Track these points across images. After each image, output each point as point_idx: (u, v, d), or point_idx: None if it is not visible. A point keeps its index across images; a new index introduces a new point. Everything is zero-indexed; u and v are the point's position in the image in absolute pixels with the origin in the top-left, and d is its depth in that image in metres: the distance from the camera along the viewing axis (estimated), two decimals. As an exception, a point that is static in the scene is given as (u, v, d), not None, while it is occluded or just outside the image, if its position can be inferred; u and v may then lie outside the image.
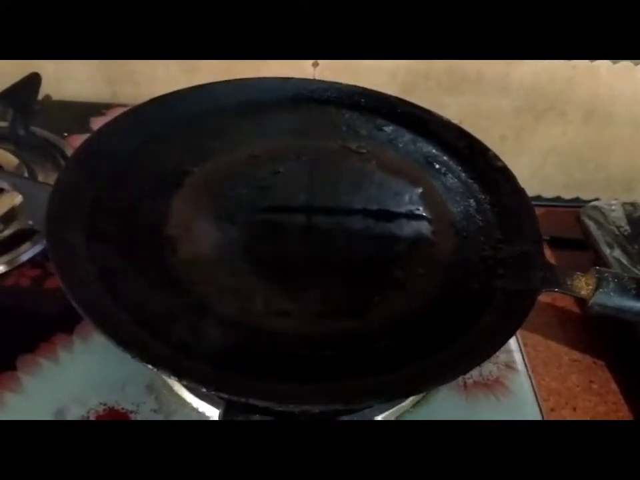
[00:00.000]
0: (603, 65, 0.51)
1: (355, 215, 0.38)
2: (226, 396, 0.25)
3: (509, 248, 0.35)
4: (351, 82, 0.46)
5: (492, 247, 0.36)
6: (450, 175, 0.41)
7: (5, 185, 0.40)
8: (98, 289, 0.30)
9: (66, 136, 0.51)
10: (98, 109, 0.55)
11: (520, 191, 0.38)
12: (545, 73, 0.52)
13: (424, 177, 0.41)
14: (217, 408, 0.32)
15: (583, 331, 0.45)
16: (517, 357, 0.37)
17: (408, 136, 0.43)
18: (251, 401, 0.25)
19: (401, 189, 0.40)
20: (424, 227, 0.38)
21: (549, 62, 0.52)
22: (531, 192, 0.57)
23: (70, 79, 0.57)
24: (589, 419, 0.39)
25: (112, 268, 0.31)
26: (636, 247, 0.46)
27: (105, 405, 0.32)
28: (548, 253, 0.51)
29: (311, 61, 0.53)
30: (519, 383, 0.36)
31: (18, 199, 0.41)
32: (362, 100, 0.45)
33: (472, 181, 0.40)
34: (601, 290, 0.31)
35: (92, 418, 0.32)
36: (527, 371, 0.37)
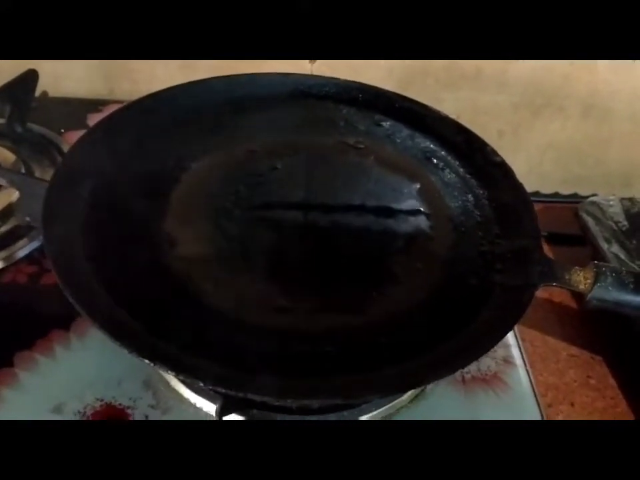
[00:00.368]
0: (601, 60, 0.51)
1: (353, 210, 0.38)
2: (223, 391, 0.25)
3: (507, 243, 0.35)
4: (348, 78, 0.46)
5: (490, 241, 0.36)
6: (448, 170, 0.41)
7: (1, 182, 0.40)
8: (94, 284, 0.29)
9: (63, 132, 0.51)
10: (95, 105, 0.55)
11: (518, 186, 0.38)
12: (543, 68, 0.52)
13: (422, 172, 0.41)
14: (214, 403, 0.31)
15: (580, 326, 0.45)
16: (515, 351, 0.38)
17: (406, 131, 0.43)
18: (249, 396, 0.25)
19: (398, 184, 0.40)
20: (422, 222, 0.38)
21: (546, 57, 0.52)
22: (528, 188, 0.57)
23: (67, 75, 0.56)
24: (586, 414, 0.39)
25: (109, 264, 0.31)
26: (634, 242, 0.46)
27: (101, 400, 0.32)
28: (546, 249, 0.51)
29: (309, 59, 0.53)
30: (517, 377, 0.36)
31: (15, 195, 0.41)
32: (360, 95, 0.45)
33: (470, 176, 0.40)
34: (599, 284, 0.31)
35: (89, 413, 0.32)
36: (525, 365, 0.37)
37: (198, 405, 0.32)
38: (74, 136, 0.48)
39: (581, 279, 0.32)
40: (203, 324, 0.30)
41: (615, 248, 0.46)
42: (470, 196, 0.39)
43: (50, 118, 0.52)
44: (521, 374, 0.36)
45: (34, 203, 0.33)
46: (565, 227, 0.51)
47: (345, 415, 0.32)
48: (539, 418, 0.34)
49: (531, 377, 0.36)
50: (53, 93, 0.56)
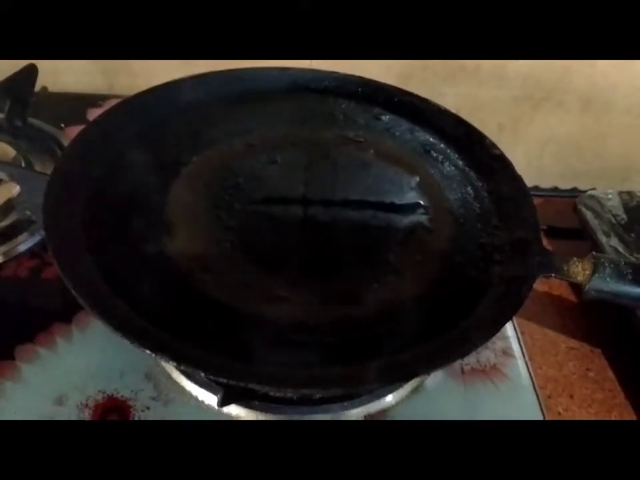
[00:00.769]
0: (600, 54, 0.51)
1: (353, 203, 0.38)
2: (225, 381, 0.26)
3: (506, 234, 0.35)
4: (348, 72, 0.46)
5: (489, 233, 0.36)
6: (447, 163, 0.41)
7: (2, 176, 0.40)
8: (96, 277, 0.30)
9: (63, 127, 0.51)
10: (95, 100, 0.55)
11: (517, 178, 0.38)
12: (542, 62, 0.52)
13: (421, 165, 0.41)
14: (215, 395, 0.32)
15: (579, 319, 0.45)
16: (514, 343, 0.38)
17: (405, 125, 0.43)
18: (250, 386, 0.25)
19: (398, 177, 0.40)
20: (421, 215, 0.38)
21: (545, 51, 0.52)
22: (528, 182, 0.57)
23: (67, 70, 0.56)
24: (585, 406, 0.39)
25: (109, 256, 0.31)
26: (632, 235, 0.47)
27: (103, 392, 0.33)
28: (545, 243, 0.51)
29: (308, 60, 0.53)
30: (516, 369, 0.36)
31: (15, 189, 0.41)
32: (359, 89, 0.45)
33: (469, 168, 0.40)
34: (597, 275, 0.31)
35: (91, 405, 0.32)
36: (524, 357, 0.37)
37: (199, 397, 0.33)
38: (74, 131, 0.48)
39: (579, 270, 0.32)
40: (204, 314, 0.30)
41: (614, 241, 0.46)
42: (469, 188, 0.39)
43: (50, 113, 0.52)
44: (519, 366, 0.36)
45: (34, 197, 0.33)
46: (564, 221, 0.51)
47: (346, 406, 0.33)
48: (537, 410, 0.34)
49: (530, 369, 0.36)
50: (52, 88, 0.56)
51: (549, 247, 0.51)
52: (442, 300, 0.32)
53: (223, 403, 0.29)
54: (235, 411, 0.32)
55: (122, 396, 0.33)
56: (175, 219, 0.35)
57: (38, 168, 0.46)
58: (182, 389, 0.33)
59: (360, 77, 0.45)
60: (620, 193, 0.50)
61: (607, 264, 0.31)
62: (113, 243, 0.32)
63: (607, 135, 0.56)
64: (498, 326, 0.29)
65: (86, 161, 0.36)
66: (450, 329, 0.30)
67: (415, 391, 0.34)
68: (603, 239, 0.46)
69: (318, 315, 0.31)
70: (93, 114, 0.51)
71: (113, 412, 0.32)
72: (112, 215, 0.34)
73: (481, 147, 0.40)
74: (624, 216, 0.48)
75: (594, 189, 0.55)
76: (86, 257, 0.30)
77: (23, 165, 0.45)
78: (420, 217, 0.37)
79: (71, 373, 0.33)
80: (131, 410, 0.32)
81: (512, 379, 0.36)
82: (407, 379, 0.31)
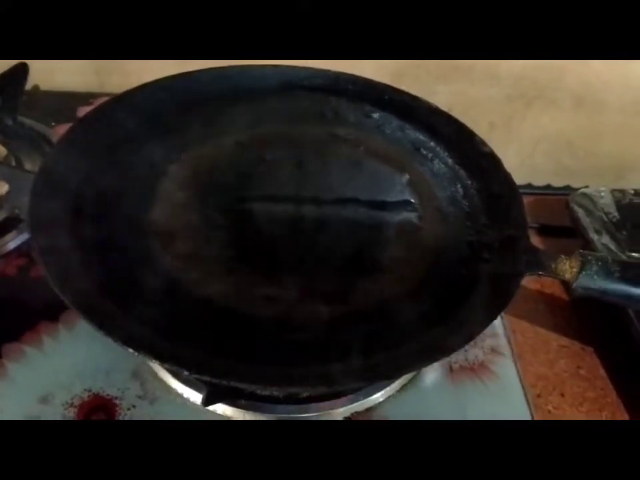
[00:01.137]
0: (593, 52, 0.51)
1: (342, 201, 0.38)
2: (208, 379, 0.26)
3: (494, 232, 0.35)
4: (340, 70, 0.46)
5: (478, 231, 0.36)
6: (437, 161, 0.41)
7: (-10, 174, 0.40)
8: (81, 275, 0.29)
9: (54, 125, 0.51)
10: (86, 98, 0.54)
11: (506, 176, 0.38)
12: (535, 61, 0.52)
13: (411, 163, 0.41)
14: (201, 393, 0.32)
15: (571, 316, 0.45)
16: (503, 341, 0.38)
17: (396, 122, 0.43)
18: (233, 384, 0.25)
19: (388, 175, 0.40)
20: (411, 213, 0.38)
21: (538, 49, 0.51)
22: (520, 180, 0.57)
23: (58, 68, 0.56)
24: (577, 404, 0.39)
25: (95, 255, 0.31)
26: (624, 233, 0.46)
27: (89, 391, 0.33)
28: (537, 241, 0.51)
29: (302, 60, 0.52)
30: (505, 367, 0.36)
31: (4, 188, 0.41)
32: (350, 87, 0.45)
33: (459, 166, 0.40)
34: (584, 272, 0.31)
35: (76, 404, 0.32)
36: (513, 355, 0.37)
37: (185, 395, 0.33)
38: (64, 129, 0.48)
39: (567, 267, 0.32)
40: (190, 313, 0.30)
41: (605, 239, 0.46)
42: (459, 186, 0.39)
43: (41, 111, 0.52)
44: (508, 363, 0.36)
45: (23, 195, 0.33)
46: (557, 219, 0.51)
47: (334, 404, 0.32)
48: (525, 408, 0.34)
49: (518, 367, 0.36)
50: (44, 86, 0.56)
51: (541, 245, 0.51)
52: (430, 298, 0.32)
53: (207, 402, 0.29)
54: (221, 409, 0.32)
55: (108, 394, 0.32)
56: (163, 218, 0.35)
57: (28, 166, 0.46)
58: (168, 388, 0.33)
59: (351, 75, 0.45)
60: (612, 191, 0.50)
61: (594, 261, 0.31)
62: (99, 242, 0.32)
63: (600, 133, 0.56)
64: (484, 324, 0.29)
65: (73, 160, 0.35)
66: (437, 327, 0.30)
67: (403, 388, 0.34)
68: (595, 237, 0.45)
69: (306, 313, 0.31)
70: (84, 112, 0.51)
71: (98, 410, 0.32)
72: (99, 214, 0.34)
73: (471, 144, 0.40)
74: (616, 214, 0.48)
75: (587, 187, 0.55)
76: (71, 256, 0.30)
77: (14, 163, 0.45)
78: (409, 215, 0.37)
79: (58, 372, 0.33)
80: (117, 409, 0.32)
81: (500, 377, 0.35)
82: (391, 377, 0.31)
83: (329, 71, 0.45)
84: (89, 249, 0.31)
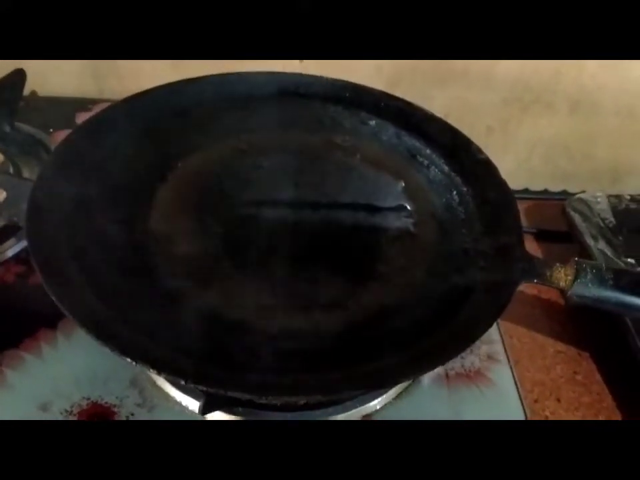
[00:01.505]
0: (588, 57, 0.51)
1: (338, 208, 0.39)
2: (205, 388, 0.26)
3: (489, 240, 0.35)
4: (337, 76, 0.46)
5: (473, 239, 0.36)
6: (433, 168, 0.41)
7: (-12, 182, 0.40)
8: (78, 283, 0.30)
9: (52, 132, 0.51)
10: (84, 104, 0.55)
11: (502, 183, 0.38)
12: (531, 64, 0.52)
13: (407, 170, 0.41)
14: (200, 402, 0.32)
15: (567, 322, 0.45)
16: (499, 348, 0.38)
17: (392, 129, 0.43)
18: (229, 394, 0.25)
19: (384, 182, 0.40)
20: (406, 220, 0.38)
21: (534, 55, 0.52)
22: (517, 184, 0.58)
23: (56, 74, 0.56)
24: (573, 409, 0.39)
25: (93, 263, 0.31)
26: (620, 238, 0.47)
27: (88, 399, 0.33)
28: (534, 246, 0.52)
29: (297, 59, 0.53)
30: (501, 374, 0.36)
31: (2, 195, 0.41)
32: (346, 94, 0.45)
33: (455, 173, 0.40)
34: (579, 281, 0.31)
35: (75, 412, 0.32)
36: (509, 362, 0.37)
37: (183, 403, 0.33)
38: (62, 135, 0.48)
39: (562, 275, 0.32)
40: (187, 322, 0.30)
41: (602, 244, 0.46)
42: (455, 193, 0.39)
43: (39, 117, 0.52)
44: (504, 370, 0.36)
45: (21, 202, 0.33)
46: (554, 224, 0.51)
47: (330, 412, 0.33)
48: (521, 414, 0.34)
49: (514, 374, 0.37)
50: (41, 91, 0.56)
51: (538, 250, 0.51)
52: (425, 306, 0.33)
53: (204, 410, 0.29)
54: (219, 418, 0.32)
55: (106, 402, 0.33)
56: (161, 224, 0.35)
57: (26, 173, 0.46)
58: (166, 395, 0.33)
59: (347, 82, 0.45)
60: (609, 196, 0.50)
61: (589, 269, 0.32)
62: (96, 249, 0.32)
63: (596, 137, 0.56)
64: (479, 333, 0.29)
65: (71, 166, 0.36)
66: (432, 335, 0.30)
67: (399, 396, 0.34)
68: (591, 242, 0.46)
69: (301, 321, 0.31)
70: (82, 118, 0.51)
71: (97, 419, 0.32)
72: (96, 221, 0.34)
73: (467, 152, 0.40)
74: (612, 219, 0.48)
75: (584, 191, 0.55)
76: (69, 264, 0.30)
77: (11, 170, 0.45)
78: (405, 223, 0.38)
79: (56, 379, 0.33)
80: (115, 417, 0.32)
81: (496, 383, 0.36)
82: (387, 386, 0.31)
83: (325, 77, 0.45)
84: (86, 258, 0.31)
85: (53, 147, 0.48)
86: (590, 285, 0.31)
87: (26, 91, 0.52)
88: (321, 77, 0.45)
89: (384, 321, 0.32)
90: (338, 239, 0.37)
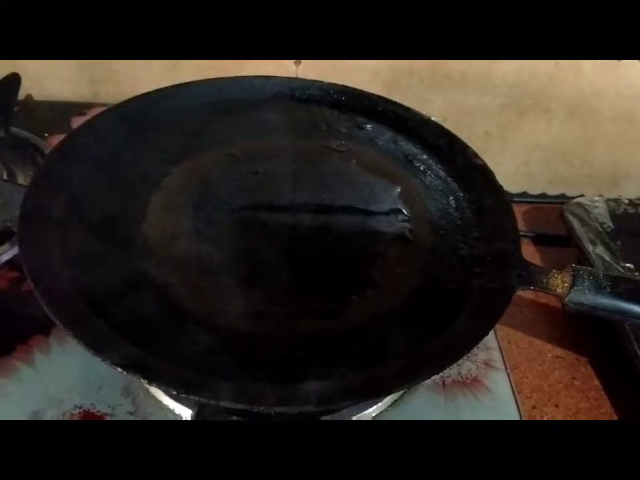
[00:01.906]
0: (586, 61, 0.51)
1: (334, 213, 0.38)
2: (197, 398, 0.25)
3: (486, 246, 0.35)
4: (333, 80, 0.46)
5: (470, 245, 0.36)
6: (429, 173, 0.41)
7: (-19, 188, 0.39)
8: (70, 290, 0.29)
9: (47, 136, 0.51)
10: (79, 108, 0.54)
11: (498, 189, 0.38)
12: (528, 69, 0.52)
13: (403, 176, 0.41)
14: (193, 410, 0.31)
15: (566, 327, 0.45)
16: (496, 355, 0.37)
17: (388, 134, 0.43)
18: (222, 403, 0.25)
19: (380, 187, 0.40)
20: (402, 226, 0.38)
21: (531, 59, 0.51)
22: (515, 188, 0.58)
23: (51, 78, 0.56)
24: (571, 415, 0.39)
25: (85, 271, 0.31)
26: (618, 243, 0.46)
27: (80, 407, 0.32)
28: (532, 250, 0.51)
29: (294, 59, 0.53)
30: (498, 381, 0.36)
31: (-4, 201, 0.41)
32: (342, 98, 0.45)
33: (451, 179, 0.40)
34: (575, 287, 0.31)
35: (67, 421, 0.32)
36: (506, 369, 0.37)
37: (176, 412, 0.32)
38: (57, 140, 0.48)
39: (558, 282, 0.32)
40: (180, 331, 0.30)
41: (600, 249, 0.45)
42: (451, 199, 0.39)
43: (34, 122, 0.52)
44: (502, 377, 0.36)
45: (14, 208, 0.33)
46: (552, 228, 0.51)
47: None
48: (518, 421, 0.34)
49: (512, 381, 0.36)
50: (37, 95, 0.56)
51: (536, 254, 0.51)
52: (421, 313, 0.32)
53: (197, 419, 0.29)
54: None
55: (99, 411, 0.32)
56: (154, 232, 0.35)
57: (20, 178, 0.45)
58: (159, 403, 0.33)
59: (343, 86, 0.45)
60: (607, 201, 0.50)
61: (585, 276, 0.31)
62: (89, 257, 0.32)
63: (593, 142, 0.56)
64: (475, 341, 0.29)
65: (65, 171, 0.36)
66: (428, 343, 0.30)
67: (395, 403, 0.34)
68: (589, 247, 0.45)
69: (295, 329, 0.31)
70: (78, 123, 0.51)
71: (89, 427, 0.32)
72: (90, 228, 0.34)
73: (464, 157, 0.40)
74: (610, 224, 0.48)
75: (582, 195, 0.55)
76: (61, 272, 0.30)
77: (5, 175, 0.45)
78: (401, 228, 0.37)
79: (48, 387, 0.33)
80: (108, 425, 0.32)
81: (493, 390, 0.35)
82: (381, 396, 0.31)
83: (321, 82, 0.45)
84: (79, 266, 0.31)
85: (47, 152, 0.48)
86: (587, 291, 0.31)
87: (21, 95, 0.52)
88: (316, 81, 0.45)
89: (379, 328, 0.32)
90: (333, 245, 0.37)
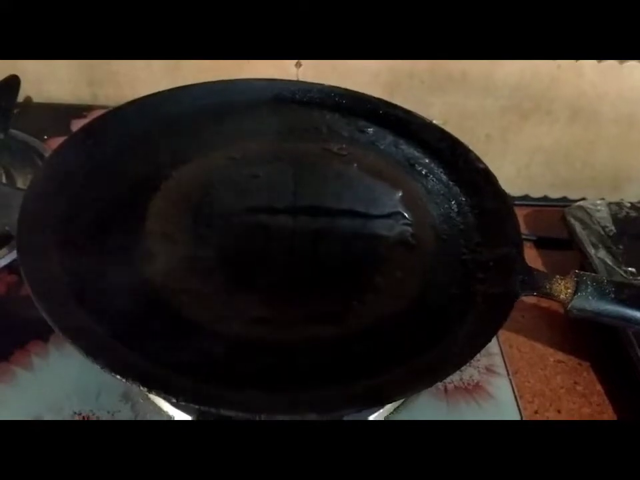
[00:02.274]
0: (588, 63, 0.51)
1: (335, 218, 0.38)
2: (196, 406, 0.25)
3: (489, 251, 0.35)
4: (334, 83, 0.46)
5: (472, 250, 0.35)
6: (431, 177, 0.41)
7: (-20, 191, 0.39)
8: (68, 296, 0.29)
9: (46, 139, 0.50)
10: (79, 110, 0.54)
11: (501, 194, 0.37)
12: (530, 71, 0.52)
13: (405, 180, 0.41)
14: (192, 417, 0.31)
15: (568, 332, 0.45)
16: (498, 360, 0.37)
17: (390, 138, 0.43)
18: (222, 412, 0.25)
19: (381, 191, 0.40)
20: (404, 230, 0.37)
21: (533, 61, 0.51)
22: (517, 191, 0.58)
23: (51, 80, 0.56)
24: (573, 420, 0.39)
25: (83, 274, 0.31)
26: (621, 247, 0.46)
27: (79, 414, 0.32)
28: (534, 253, 0.51)
29: (294, 61, 0.52)
30: (500, 387, 0.36)
31: (-6, 204, 0.41)
32: (344, 101, 0.44)
33: (453, 183, 0.40)
34: (579, 294, 0.31)
35: (66, 428, 0.31)
36: (508, 375, 0.37)
37: (176, 418, 0.32)
38: (57, 142, 0.48)
39: (562, 288, 0.31)
40: (179, 337, 0.30)
41: (602, 253, 0.45)
42: (453, 203, 0.39)
43: (33, 124, 0.51)
44: (504, 383, 0.36)
45: (13, 212, 0.33)
46: (554, 231, 0.51)
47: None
48: (521, 428, 0.34)
49: (514, 387, 0.36)
50: (36, 97, 0.56)
51: (537, 258, 0.51)
52: (422, 319, 0.32)
53: (197, 427, 0.28)
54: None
55: (98, 417, 0.32)
56: (153, 235, 0.35)
57: (20, 181, 0.45)
58: (159, 410, 0.33)
59: (345, 89, 0.45)
60: (609, 204, 0.50)
61: (589, 282, 0.31)
62: (88, 261, 0.32)
63: (595, 144, 0.56)
64: (478, 348, 0.28)
65: (64, 175, 0.35)
66: (430, 349, 0.29)
67: (397, 410, 0.34)
68: (591, 251, 0.45)
69: (296, 336, 0.31)
70: (77, 125, 0.51)
71: (88, 434, 0.31)
72: (88, 232, 0.33)
73: (466, 160, 0.40)
74: (612, 227, 0.48)
75: (584, 198, 0.54)
76: (59, 277, 0.30)
77: (4, 178, 0.45)
78: (402, 233, 0.37)
79: (47, 393, 0.33)
80: (107, 432, 0.31)
81: (495, 396, 0.35)
82: (383, 403, 0.30)
83: (322, 85, 0.45)
84: (77, 272, 0.31)
85: (47, 154, 0.48)
86: (590, 298, 0.30)
87: (20, 97, 0.52)
88: (317, 84, 0.45)
89: (381, 334, 0.31)
90: (334, 249, 0.36)
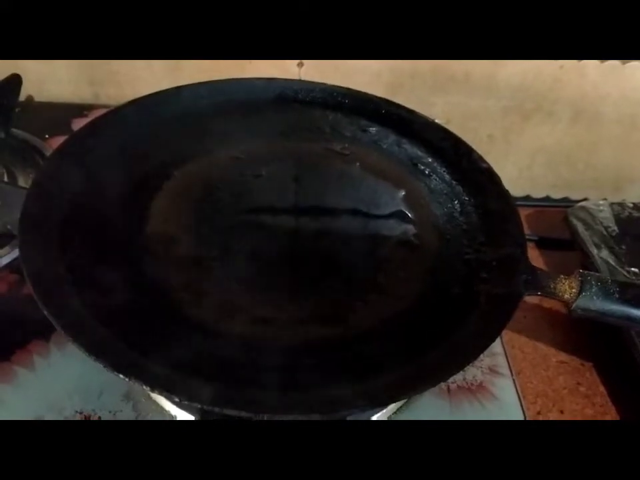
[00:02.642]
0: (590, 64, 0.51)
1: (338, 217, 0.38)
2: (199, 405, 0.25)
3: (492, 251, 0.35)
4: (336, 82, 0.45)
5: (475, 249, 0.35)
6: (434, 177, 0.41)
7: (-19, 190, 0.39)
8: (70, 295, 0.29)
9: (47, 138, 0.50)
10: (80, 110, 0.54)
11: (504, 193, 0.37)
12: (532, 72, 0.52)
13: (408, 179, 0.41)
14: (195, 416, 0.31)
15: (570, 332, 0.45)
16: (501, 360, 0.37)
17: (392, 137, 0.43)
18: (225, 411, 0.25)
19: (384, 191, 0.40)
20: (407, 230, 0.37)
21: (535, 61, 0.51)
22: (519, 192, 0.57)
23: (52, 79, 0.56)
24: (575, 422, 0.39)
25: (86, 273, 0.30)
26: (623, 247, 0.46)
27: (81, 413, 0.32)
28: (536, 254, 0.51)
29: (296, 61, 0.52)
30: (503, 387, 0.36)
31: (-4, 203, 0.41)
32: (346, 101, 0.44)
33: (456, 182, 0.40)
34: (583, 293, 0.31)
35: (67, 427, 0.31)
36: (512, 375, 0.36)
37: (179, 418, 0.32)
38: (58, 142, 0.48)
39: (566, 287, 0.31)
40: (181, 336, 0.29)
41: (605, 253, 0.45)
42: (456, 203, 0.39)
43: (34, 123, 0.51)
44: (507, 384, 0.36)
45: (14, 211, 0.32)
46: (556, 231, 0.51)
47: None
48: (525, 428, 0.34)
49: (517, 387, 0.36)
50: (38, 97, 0.56)
51: (540, 258, 0.51)
52: (426, 318, 0.32)
53: (200, 426, 0.28)
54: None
55: (99, 417, 0.32)
56: (156, 235, 0.34)
57: (21, 180, 0.45)
58: (161, 409, 0.32)
59: (347, 89, 0.45)
60: (611, 205, 0.50)
61: (593, 282, 0.31)
62: (90, 261, 0.31)
63: (598, 145, 0.56)
64: (482, 348, 0.28)
65: (65, 174, 0.35)
66: (434, 349, 0.29)
67: (400, 410, 0.34)
68: (594, 251, 0.45)
69: (300, 336, 0.31)
70: (78, 124, 0.51)
71: (90, 433, 0.31)
72: (90, 231, 0.33)
73: (469, 160, 0.40)
74: (615, 228, 0.48)
75: (586, 198, 0.54)
76: (62, 277, 0.30)
77: (6, 177, 0.45)
78: (405, 233, 0.37)
79: (48, 393, 0.33)
80: (109, 432, 0.31)
81: (498, 397, 0.35)
82: (386, 404, 0.30)
83: (325, 84, 0.45)
84: (79, 270, 0.30)
85: (48, 153, 0.48)
86: (595, 298, 0.30)
87: (22, 96, 0.52)
88: (320, 84, 0.45)
89: (384, 334, 0.31)
90: (337, 249, 0.36)
